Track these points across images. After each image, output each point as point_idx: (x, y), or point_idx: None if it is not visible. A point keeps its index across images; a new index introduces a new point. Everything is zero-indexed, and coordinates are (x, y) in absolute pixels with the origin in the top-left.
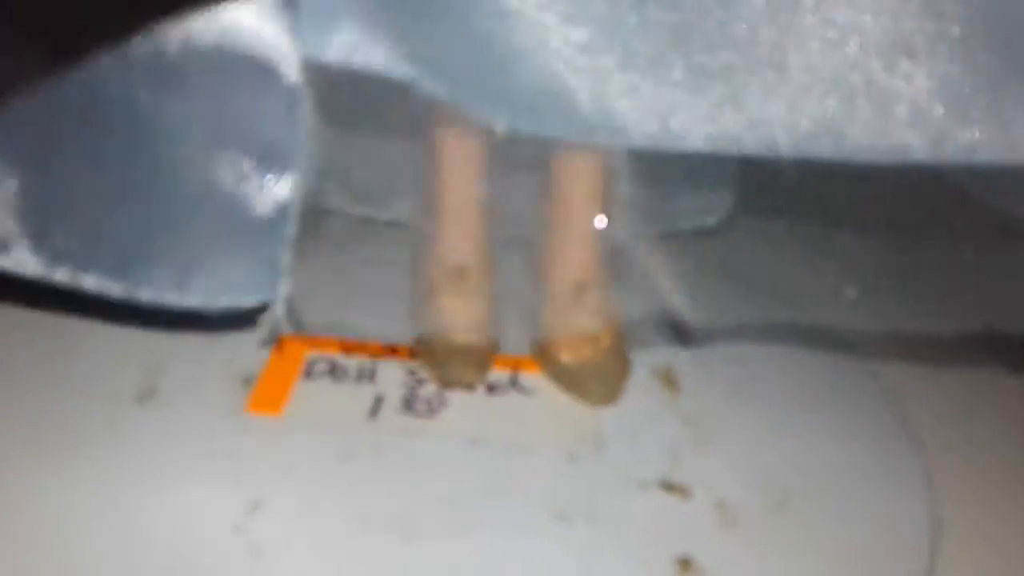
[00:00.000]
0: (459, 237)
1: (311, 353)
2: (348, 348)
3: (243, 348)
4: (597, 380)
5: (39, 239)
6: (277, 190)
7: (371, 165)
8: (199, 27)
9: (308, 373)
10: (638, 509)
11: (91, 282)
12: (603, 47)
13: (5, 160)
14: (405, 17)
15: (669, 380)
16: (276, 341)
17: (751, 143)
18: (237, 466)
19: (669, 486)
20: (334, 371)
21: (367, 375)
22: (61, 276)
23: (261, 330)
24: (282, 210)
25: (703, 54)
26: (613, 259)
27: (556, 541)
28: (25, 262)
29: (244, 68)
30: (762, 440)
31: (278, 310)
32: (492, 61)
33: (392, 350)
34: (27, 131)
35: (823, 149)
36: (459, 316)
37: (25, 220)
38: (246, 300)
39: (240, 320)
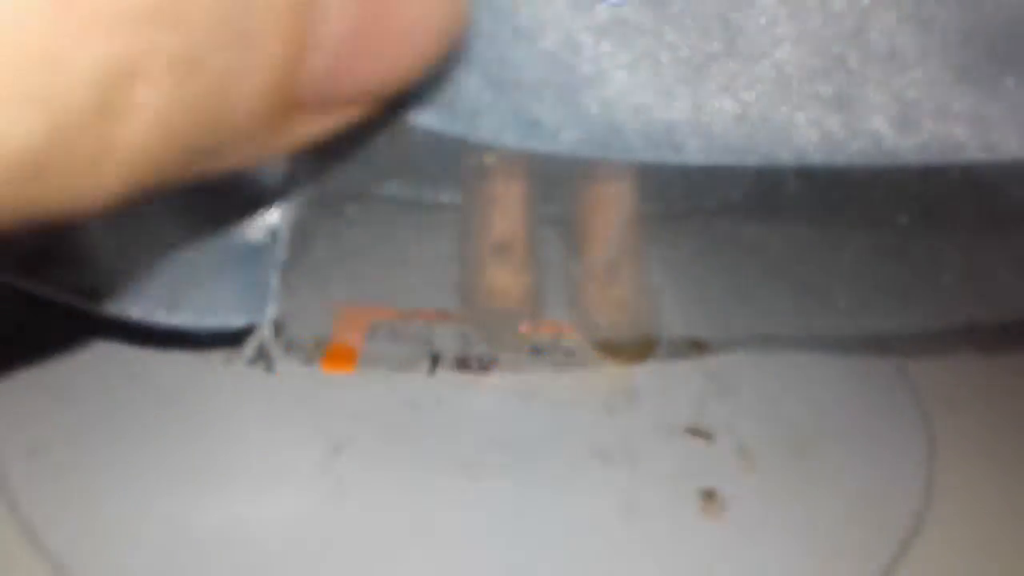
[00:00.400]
0: (505, 216)
1: (374, 319)
2: (405, 315)
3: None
4: (629, 342)
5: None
6: (268, 217)
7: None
8: None
9: (372, 337)
10: (668, 451)
11: (79, 299)
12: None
13: None
14: None
15: (696, 341)
16: (265, 359)
17: (758, 157)
18: (318, 416)
19: (695, 431)
20: (394, 333)
21: (424, 338)
22: (47, 293)
23: (248, 349)
24: (272, 235)
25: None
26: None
27: (599, 477)
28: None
29: None
30: (780, 392)
31: (265, 331)
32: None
33: (444, 315)
34: None
35: (823, 158)
36: (506, 286)
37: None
38: (234, 321)
39: (228, 339)
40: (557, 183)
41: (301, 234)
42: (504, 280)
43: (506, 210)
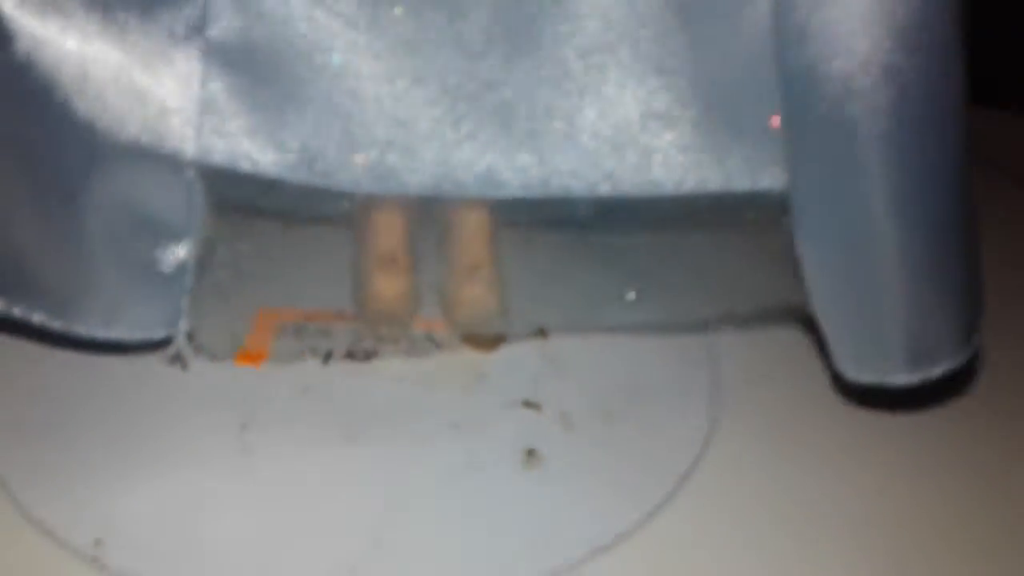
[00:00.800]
0: (387, 235)
1: (283, 320)
2: (309, 316)
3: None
4: (485, 333)
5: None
6: (179, 252)
7: None
8: (128, 121)
9: (281, 334)
10: (506, 421)
11: (38, 318)
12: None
13: None
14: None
15: (541, 330)
16: (180, 360)
17: (553, 189)
18: (228, 401)
19: (529, 404)
20: (298, 332)
21: (323, 334)
22: (16, 313)
23: (169, 352)
24: (182, 268)
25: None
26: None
27: (449, 442)
28: None
29: (155, 162)
30: (600, 368)
31: (180, 339)
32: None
33: (341, 316)
34: None
35: (605, 191)
36: (389, 291)
37: None
38: (156, 333)
39: (154, 346)
40: (428, 208)
41: (205, 263)
42: (388, 287)
43: (388, 230)
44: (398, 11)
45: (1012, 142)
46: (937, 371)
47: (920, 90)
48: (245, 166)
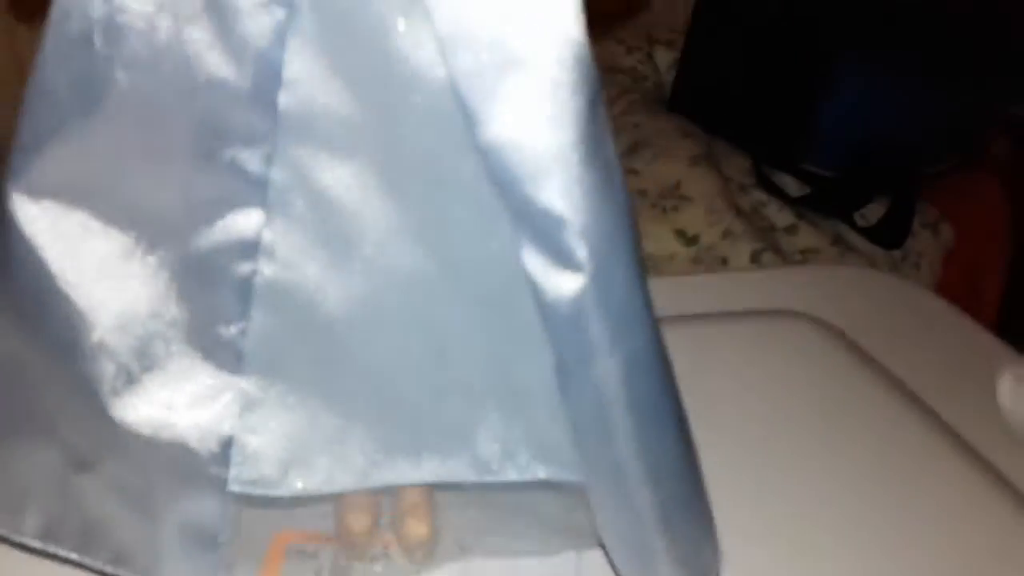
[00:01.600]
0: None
1: (291, 541)
2: (308, 537)
3: None
4: (423, 550)
5: None
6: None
7: None
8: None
9: (288, 552)
10: None
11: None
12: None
13: None
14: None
15: (462, 546)
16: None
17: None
18: None
19: None
20: (301, 551)
21: (315, 553)
22: (75, 558)
23: None
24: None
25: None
26: None
27: None
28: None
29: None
30: None
31: None
32: None
33: (328, 539)
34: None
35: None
36: (358, 525)
37: None
38: None
39: None
40: None
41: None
42: (357, 522)
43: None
44: None
45: None
46: None
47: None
48: None
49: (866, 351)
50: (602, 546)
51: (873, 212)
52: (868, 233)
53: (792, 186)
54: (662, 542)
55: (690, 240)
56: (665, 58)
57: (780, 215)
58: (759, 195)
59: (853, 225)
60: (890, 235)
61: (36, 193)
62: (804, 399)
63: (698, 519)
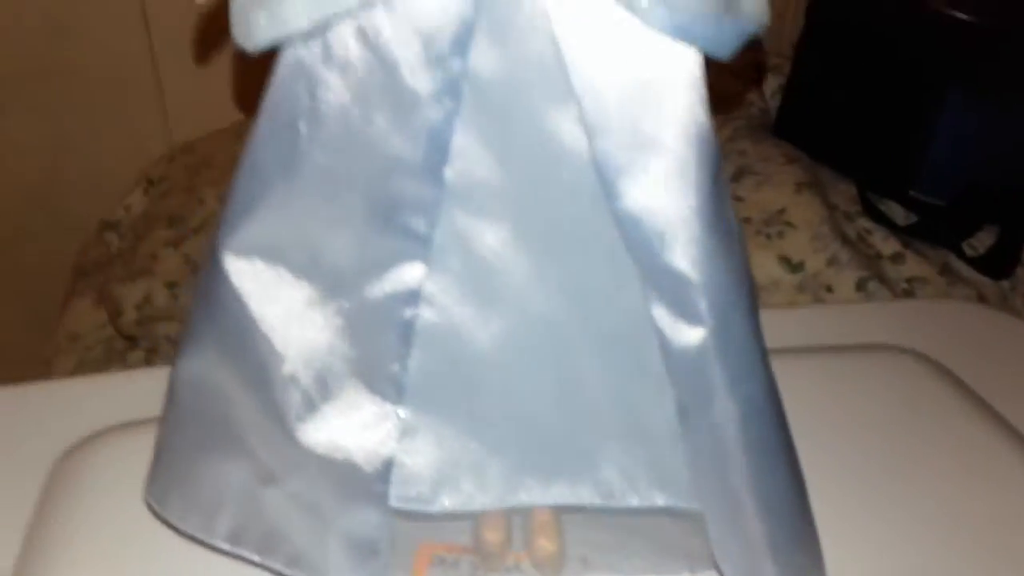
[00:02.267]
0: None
1: (435, 552)
2: (449, 548)
3: None
4: (552, 564)
5: None
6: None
7: None
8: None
9: (432, 561)
10: None
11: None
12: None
13: None
14: None
15: (586, 560)
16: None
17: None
18: None
19: None
20: (442, 559)
21: (455, 561)
22: (257, 560)
23: None
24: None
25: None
26: None
27: None
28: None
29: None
30: None
31: None
32: None
33: (468, 549)
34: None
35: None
36: (494, 539)
37: None
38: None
39: None
40: None
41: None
42: (493, 537)
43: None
44: None
45: None
46: None
47: None
48: None
49: (971, 388)
50: (717, 569)
51: (982, 241)
52: (976, 263)
53: (899, 214)
54: (773, 569)
55: (795, 267)
56: (771, 84)
57: (886, 243)
58: (865, 223)
59: (961, 254)
60: (999, 265)
61: (243, 250)
62: (907, 436)
63: (806, 547)
